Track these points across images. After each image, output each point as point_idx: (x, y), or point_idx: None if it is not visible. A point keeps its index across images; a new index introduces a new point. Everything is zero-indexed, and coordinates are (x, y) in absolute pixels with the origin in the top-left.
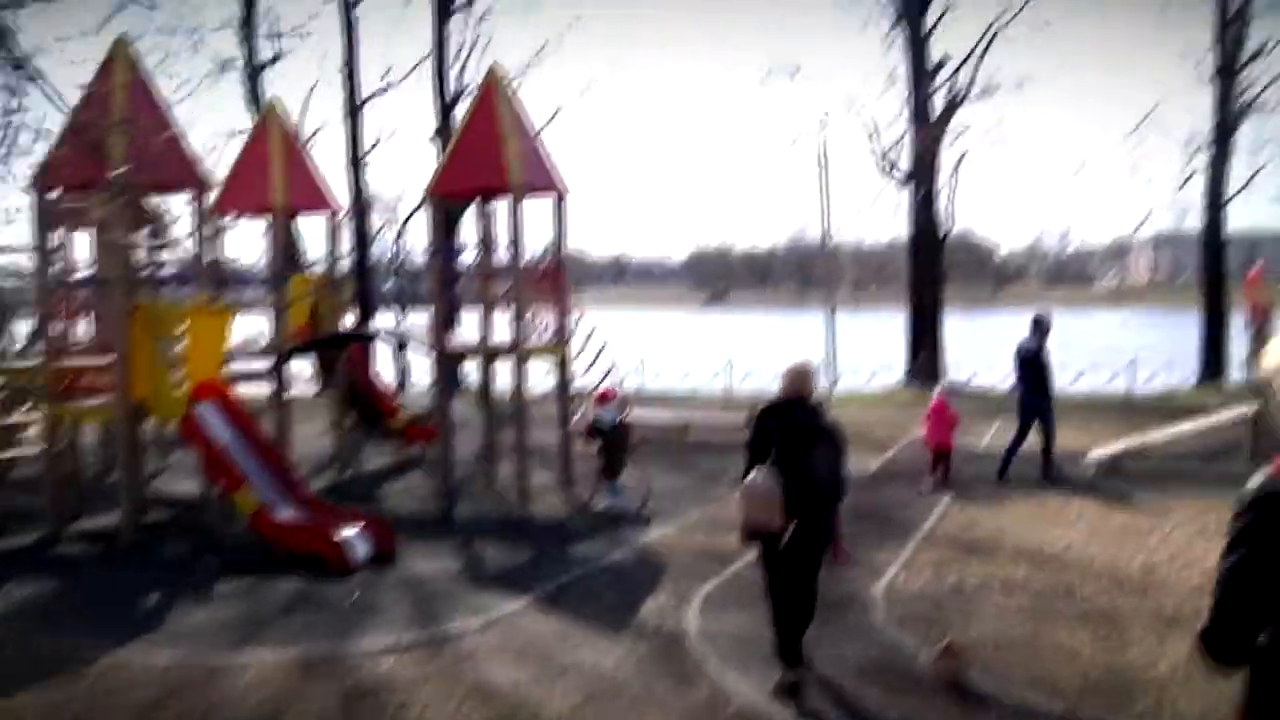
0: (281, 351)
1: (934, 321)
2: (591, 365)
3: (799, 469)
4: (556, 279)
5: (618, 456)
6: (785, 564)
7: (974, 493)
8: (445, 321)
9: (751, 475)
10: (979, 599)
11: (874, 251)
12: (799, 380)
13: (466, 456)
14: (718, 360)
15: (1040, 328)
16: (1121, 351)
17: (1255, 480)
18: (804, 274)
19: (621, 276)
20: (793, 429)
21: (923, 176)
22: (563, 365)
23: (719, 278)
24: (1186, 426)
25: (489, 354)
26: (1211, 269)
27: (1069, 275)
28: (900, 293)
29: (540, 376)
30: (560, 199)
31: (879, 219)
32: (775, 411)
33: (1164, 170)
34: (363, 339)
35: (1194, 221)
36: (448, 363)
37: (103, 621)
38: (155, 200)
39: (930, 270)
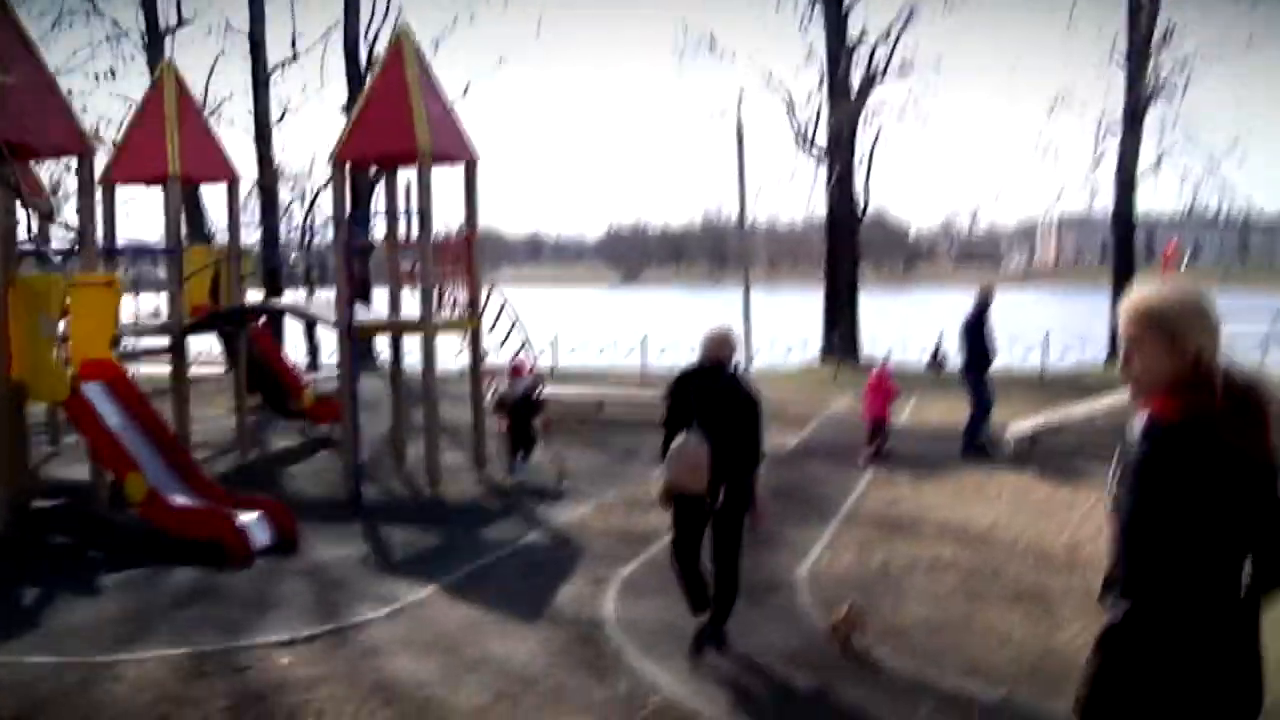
0: (179, 328)
1: (851, 299)
2: (504, 341)
3: (720, 434)
4: (467, 251)
5: (526, 431)
6: (697, 523)
7: (895, 469)
8: (352, 296)
9: (681, 437)
10: (906, 580)
11: (788, 231)
12: (719, 345)
13: (376, 437)
14: (632, 337)
15: (982, 299)
16: (1033, 330)
17: (1137, 424)
18: (718, 253)
19: (537, 254)
20: (713, 394)
21: (839, 153)
22: (475, 341)
23: (633, 256)
24: (1103, 402)
25: (396, 329)
26: (1121, 249)
27: (979, 255)
28: (814, 272)
29: (452, 353)
30: (471, 167)
31: (794, 198)
32: (695, 376)
33: (1075, 152)
34: (266, 313)
35: (1102, 204)
36: (353, 339)
37: None
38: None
39: (846, 248)
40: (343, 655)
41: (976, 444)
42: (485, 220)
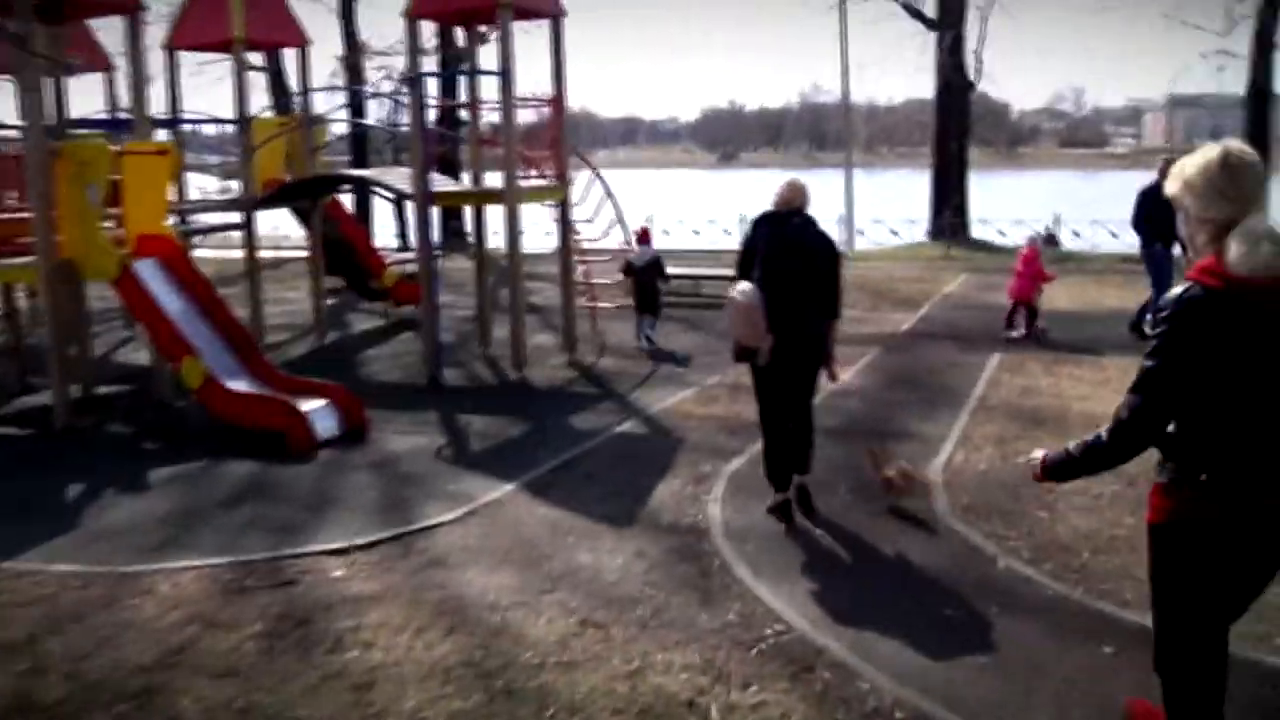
0: (249, 202)
1: (960, 176)
2: (594, 217)
3: (788, 282)
4: (555, 114)
5: (654, 297)
6: (773, 383)
7: (1028, 354)
8: (428, 163)
9: (737, 286)
10: (1057, 485)
11: (887, 110)
12: (791, 192)
13: (461, 319)
14: (730, 218)
15: (1163, 174)
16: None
17: (1177, 289)
18: (816, 133)
19: (632, 137)
20: (782, 240)
21: (950, 20)
22: (564, 215)
23: (730, 138)
24: None
25: (478, 199)
26: (1257, 122)
27: (1082, 138)
28: (913, 153)
29: (539, 229)
30: (557, 21)
31: (896, 75)
32: (766, 222)
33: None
34: (338, 185)
35: (1213, 86)
36: (427, 209)
37: (6, 520)
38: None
39: (956, 123)
40: (404, 567)
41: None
42: (579, 101)
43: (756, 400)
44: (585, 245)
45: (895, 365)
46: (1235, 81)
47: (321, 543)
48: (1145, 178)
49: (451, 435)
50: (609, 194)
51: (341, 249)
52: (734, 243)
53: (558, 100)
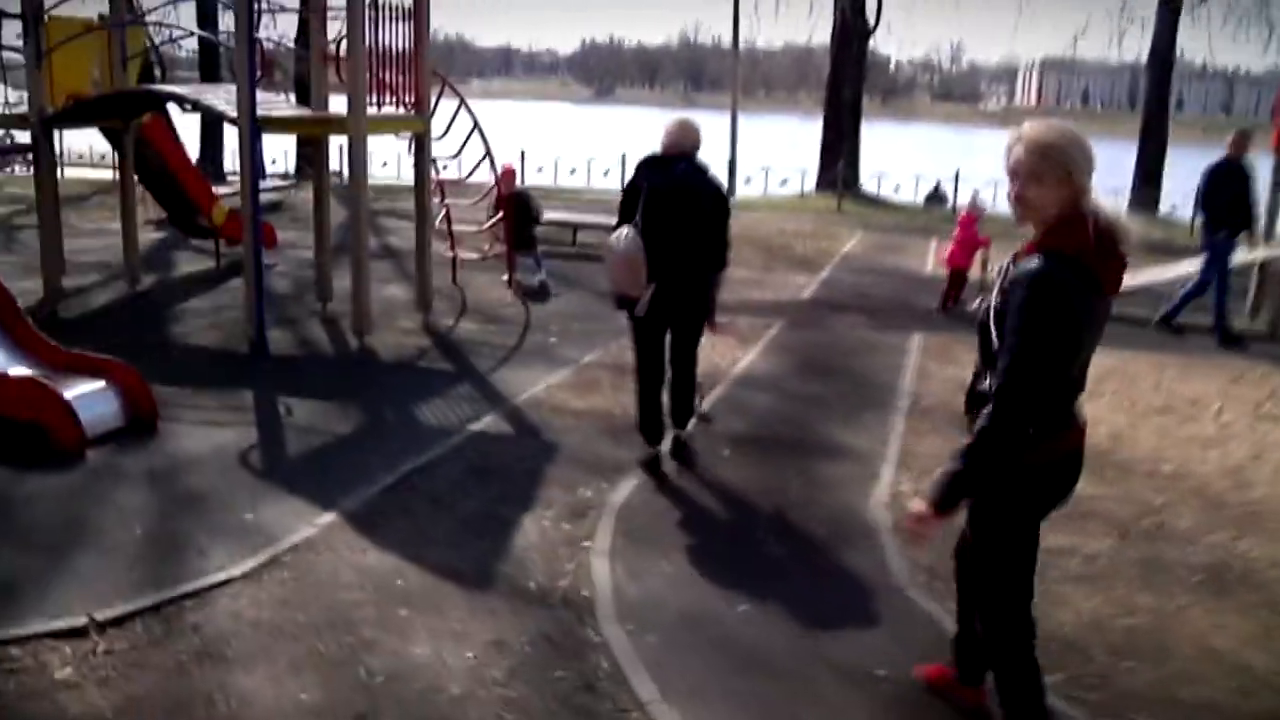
0: (39, 119)
1: (853, 128)
2: (459, 152)
3: (673, 230)
4: (417, 27)
5: (529, 233)
6: (652, 334)
7: (956, 334)
8: (253, 80)
9: (615, 234)
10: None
11: (767, 55)
12: (681, 133)
13: (304, 262)
14: (608, 157)
15: (1237, 149)
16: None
17: (1031, 263)
18: (694, 73)
19: (508, 67)
20: (668, 185)
21: None
22: (420, 147)
23: (607, 72)
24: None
25: (315, 126)
26: (1157, 90)
27: (956, 94)
28: (789, 99)
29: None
30: None
31: (776, 22)
32: (651, 165)
33: None
34: (150, 102)
35: (1085, 50)
36: (254, 136)
37: None
38: None
39: (853, 70)
40: (160, 662)
41: (1170, 321)
42: (454, 26)
43: (634, 350)
44: (446, 183)
45: (803, 345)
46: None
47: (48, 615)
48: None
49: (263, 430)
50: (477, 126)
51: (164, 178)
52: (614, 184)
53: (419, 11)
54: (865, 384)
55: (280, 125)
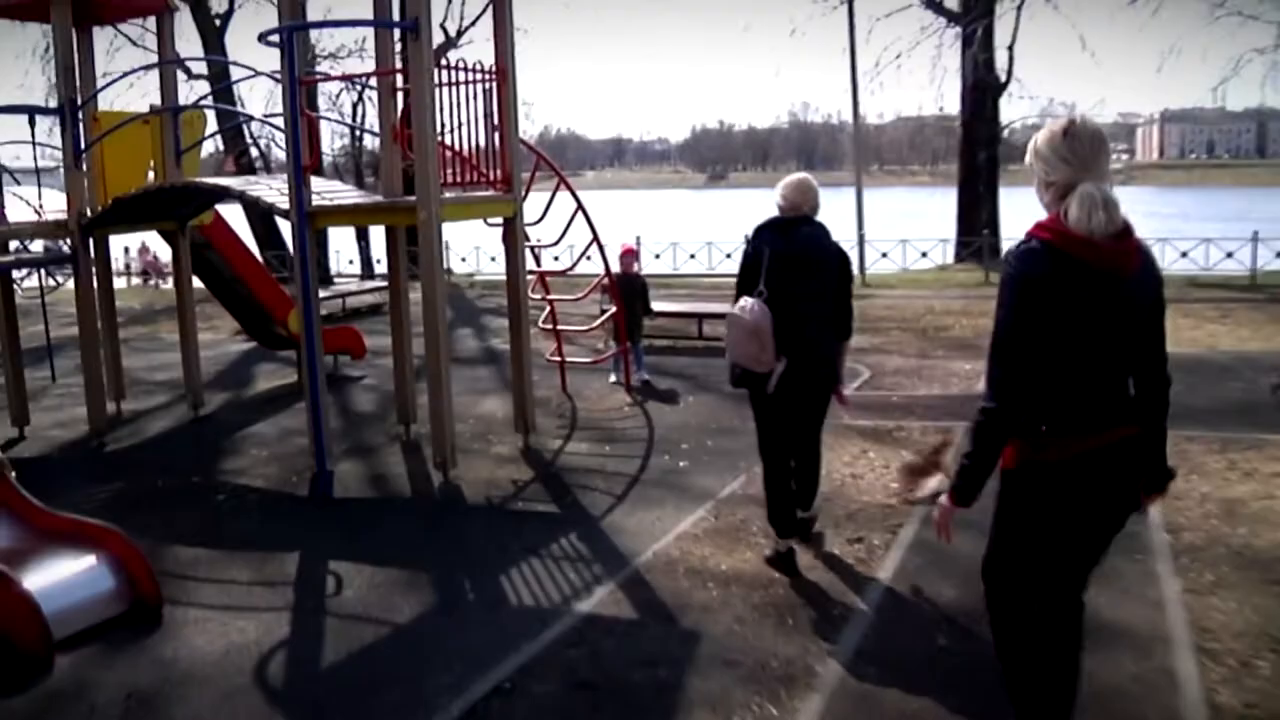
0: (77, 224)
1: (990, 191)
2: (560, 238)
3: (799, 299)
4: (500, 91)
5: (638, 322)
6: (779, 412)
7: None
8: (299, 164)
9: (741, 303)
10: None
11: (876, 129)
12: (800, 194)
13: (389, 380)
14: (727, 241)
15: None
16: (1182, 226)
17: (1018, 244)
18: (805, 151)
19: (620, 157)
20: (792, 250)
21: (980, 12)
22: (512, 233)
23: (719, 157)
24: None
25: (380, 215)
26: None
27: None
28: (903, 171)
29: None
30: None
31: (884, 96)
32: (772, 230)
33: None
34: (210, 196)
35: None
36: (306, 229)
37: None
38: None
39: (987, 129)
40: None
41: None
42: (565, 123)
43: (757, 431)
44: (548, 275)
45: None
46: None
47: None
48: (1139, 193)
49: (299, 620)
50: (580, 208)
51: (232, 285)
52: (735, 269)
53: (502, 72)
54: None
55: (337, 216)
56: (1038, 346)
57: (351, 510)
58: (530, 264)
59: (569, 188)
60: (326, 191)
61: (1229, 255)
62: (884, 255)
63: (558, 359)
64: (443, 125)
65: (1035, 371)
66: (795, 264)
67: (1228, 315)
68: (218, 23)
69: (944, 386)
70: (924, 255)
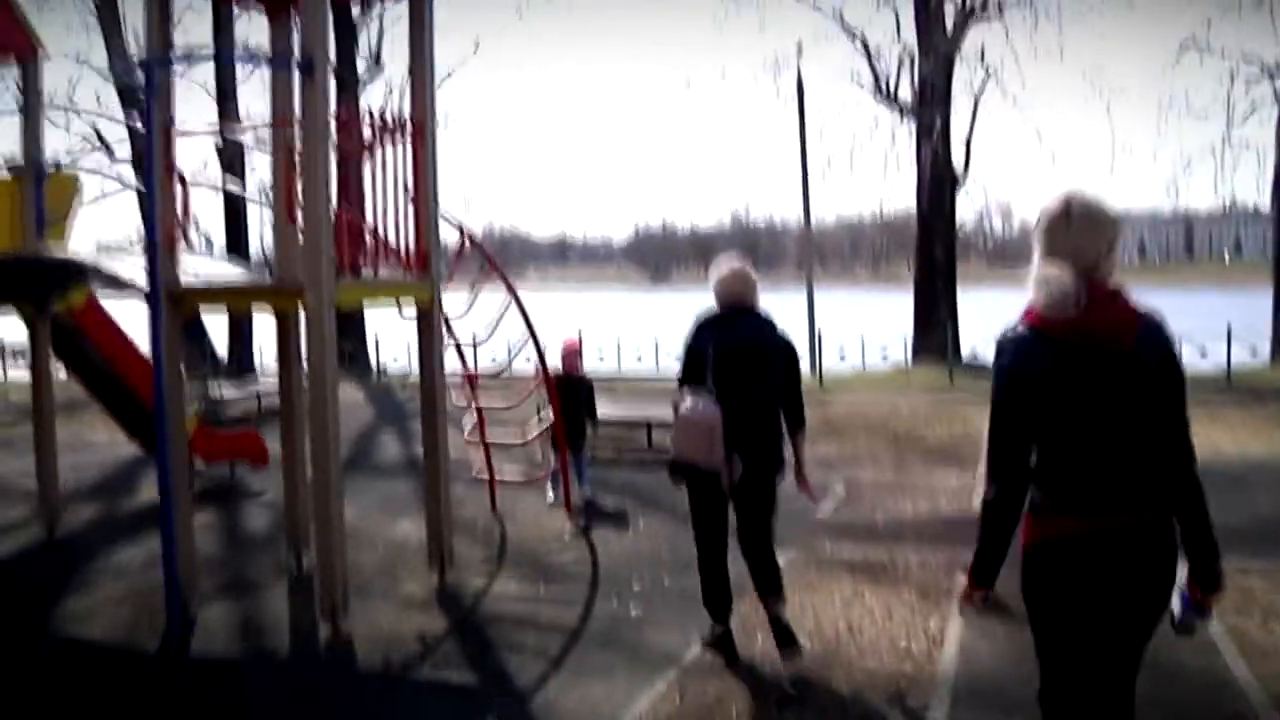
0: None
1: (950, 287)
2: (491, 333)
3: (748, 394)
4: (415, 146)
5: (579, 429)
6: (718, 509)
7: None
8: (167, 237)
9: (688, 401)
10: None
11: (818, 230)
12: (741, 284)
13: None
14: (671, 341)
15: None
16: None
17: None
18: (748, 252)
19: (563, 256)
20: (738, 345)
21: (935, 107)
22: (427, 323)
23: (662, 257)
24: None
25: (264, 296)
26: None
27: (1011, 255)
28: (845, 273)
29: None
30: None
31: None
32: (713, 324)
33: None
34: (74, 274)
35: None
36: (168, 313)
37: None
38: None
39: (944, 225)
40: None
41: None
42: (509, 222)
43: (694, 528)
44: (477, 377)
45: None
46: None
47: None
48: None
49: None
50: (515, 297)
51: (108, 380)
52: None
53: (418, 126)
54: (1170, 674)
55: (207, 297)
56: (1031, 428)
57: (205, 677)
58: (458, 364)
59: (499, 271)
60: (202, 270)
61: (1203, 356)
62: (842, 358)
63: (486, 476)
64: (342, 189)
65: (1034, 451)
66: (743, 358)
67: (1215, 418)
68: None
69: (931, 503)
70: (885, 358)
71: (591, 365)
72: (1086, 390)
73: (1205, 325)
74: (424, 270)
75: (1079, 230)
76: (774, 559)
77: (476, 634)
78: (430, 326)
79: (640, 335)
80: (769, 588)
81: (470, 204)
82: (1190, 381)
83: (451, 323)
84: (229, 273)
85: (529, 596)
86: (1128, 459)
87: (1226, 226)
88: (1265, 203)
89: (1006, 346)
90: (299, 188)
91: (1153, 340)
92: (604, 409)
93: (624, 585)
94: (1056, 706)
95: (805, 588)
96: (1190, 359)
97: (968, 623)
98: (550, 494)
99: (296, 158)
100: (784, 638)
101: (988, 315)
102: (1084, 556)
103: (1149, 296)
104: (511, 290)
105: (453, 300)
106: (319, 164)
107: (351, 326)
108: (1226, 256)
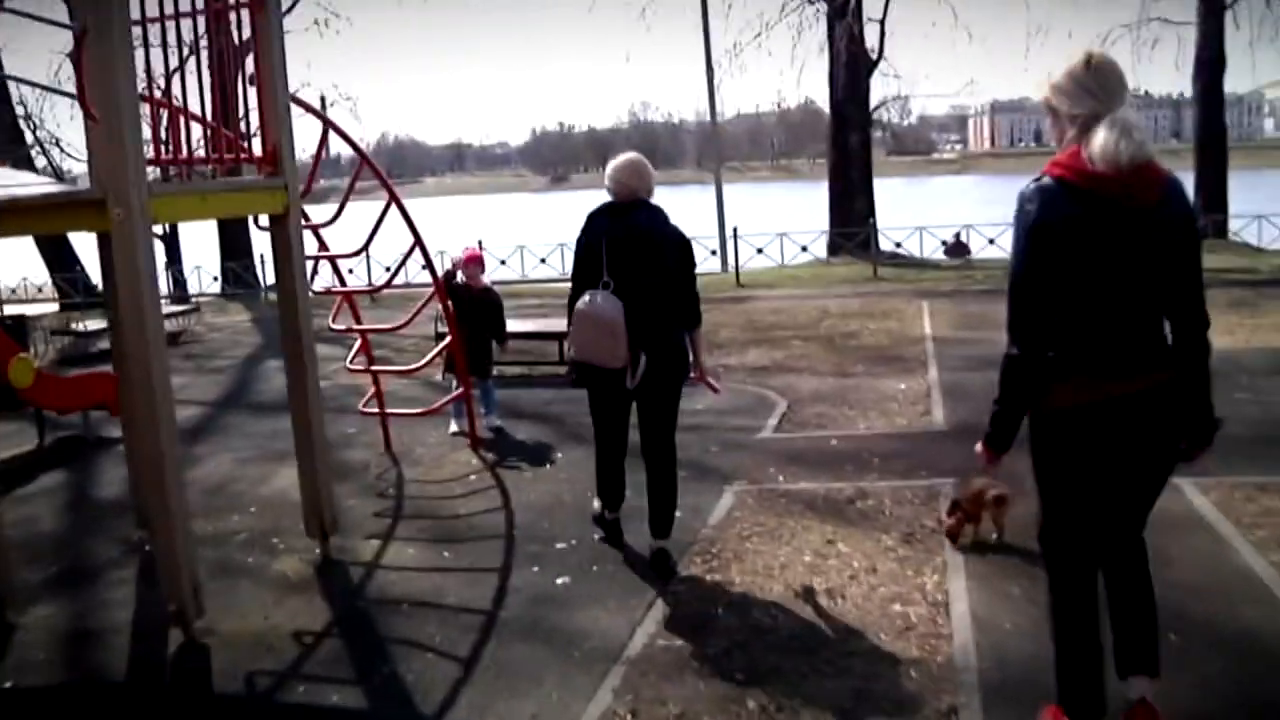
0: None
1: (866, 176)
2: (366, 245)
3: (645, 288)
4: (256, 34)
5: (485, 351)
6: (621, 410)
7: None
8: None
9: (586, 297)
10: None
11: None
12: (635, 176)
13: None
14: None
15: None
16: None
17: (1031, 182)
18: (648, 151)
19: (460, 163)
20: (631, 236)
21: None
22: (284, 237)
23: (560, 160)
24: None
25: (54, 214)
26: (1211, 125)
27: (909, 146)
28: (744, 168)
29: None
30: None
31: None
32: (606, 216)
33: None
34: None
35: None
36: None
37: None
38: None
39: (860, 111)
40: None
41: None
42: (404, 129)
43: (596, 433)
44: (357, 292)
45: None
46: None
47: None
48: (976, 181)
49: None
50: (394, 199)
51: None
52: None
53: (260, 6)
54: (1247, 655)
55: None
56: (1057, 287)
57: (11, 715)
58: (332, 285)
59: (371, 166)
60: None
61: None
62: (760, 251)
63: (375, 410)
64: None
65: (1056, 313)
66: (637, 251)
67: None
68: None
69: (886, 418)
70: (804, 249)
71: (495, 273)
72: (1115, 244)
73: None
74: (274, 171)
75: (1120, 82)
76: (674, 487)
77: (365, 628)
78: (286, 239)
79: (543, 237)
80: (662, 526)
81: (358, 110)
82: None
83: (323, 234)
84: (28, 186)
85: (430, 565)
86: (1149, 319)
87: (1142, 110)
88: (1178, 88)
89: (1033, 199)
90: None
91: (1176, 199)
92: (513, 323)
93: (546, 544)
94: (1059, 547)
95: (764, 536)
96: None
97: (971, 575)
98: (453, 424)
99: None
100: (661, 568)
101: (894, 207)
102: (1106, 421)
103: None
104: (390, 190)
105: (328, 213)
106: (116, 41)
107: (236, 240)
108: None
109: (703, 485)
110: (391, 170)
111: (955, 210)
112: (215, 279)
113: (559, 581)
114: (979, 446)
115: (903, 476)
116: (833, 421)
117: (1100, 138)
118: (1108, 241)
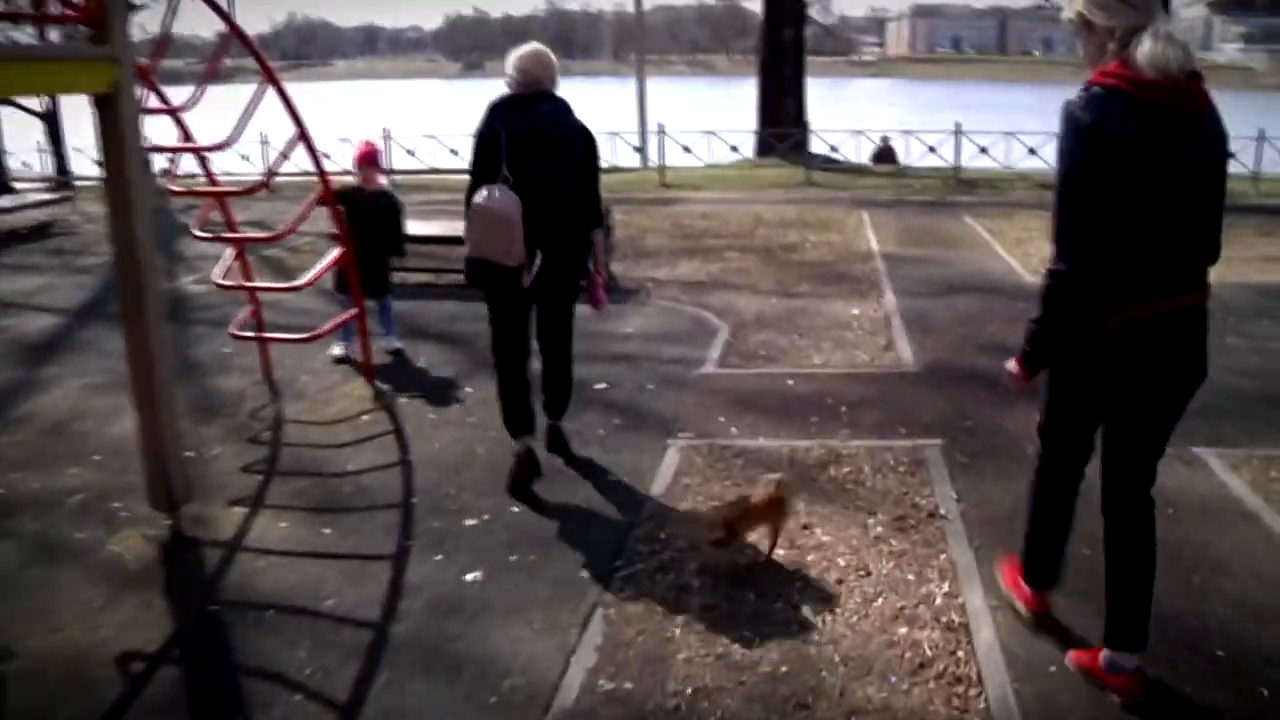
0: None
1: (797, 75)
2: (240, 128)
3: (546, 184)
4: None
5: (383, 270)
6: (521, 310)
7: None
8: None
9: (484, 192)
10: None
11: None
12: (539, 65)
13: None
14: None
15: None
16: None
17: (1078, 92)
18: (564, 41)
19: (372, 47)
20: (533, 130)
21: None
22: (114, 114)
23: (475, 46)
24: None
25: None
26: None
27: (829, 48)
28: (662, 61)
29: None
30: None
31: None
32: (508, 108)
33: None
34: None
35: None
36: None
37: None
38: None
39: (794, 4)
40: None
41: None
42: (315, 9)
43: (493, 336)
44: (226, 194)
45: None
46: None
47: None
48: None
49: None
50: (271, 78)
51: None
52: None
53: None
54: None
55: None
56: (1111, 199)
57: None
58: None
59: (243, 38)
60: None
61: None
62: (687, 150)
63: (250, 334)
64: None
65: (1108, 226)
66: (539, 145)
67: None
68: None
69: (844, 351)
70: (734, 149)
71: (401, 164)
72: (1170, 153)
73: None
74: (100, 33)
75: (1105, 7)
76: (569, 378)
77: (216, 649)
78: (116, 124)
79: (454, 128)
80: (557, 409)
81: None
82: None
83: (185, 121)
84: None
85: (306, 548)
86: (1186, 242)
87: (1038, 25)
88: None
89: (1086, 107)
90: None
91: (1217, 117)
92: (417, 225)
93: (452, 519)
94: (1057, 445)
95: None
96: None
97: (989, 586)
98: (337, 349)
99: None
100: (559, 447)
101: (819, 108)
102: (1151, 340)
103: (972, 90)
104: (266, 68)
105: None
106: None
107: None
108: (1036, 54)
109: (641, 437)
110: (299, 52)
111: (878, 115)
112: (99, 162)
113: (469, 578)
114: (1012, 363)
115: (878, 434)
116: (783, 354)
117: (1146, 46)
118: (1163, 150)
